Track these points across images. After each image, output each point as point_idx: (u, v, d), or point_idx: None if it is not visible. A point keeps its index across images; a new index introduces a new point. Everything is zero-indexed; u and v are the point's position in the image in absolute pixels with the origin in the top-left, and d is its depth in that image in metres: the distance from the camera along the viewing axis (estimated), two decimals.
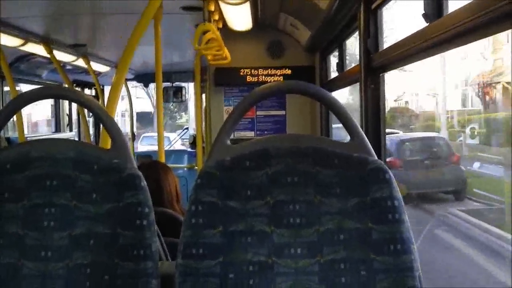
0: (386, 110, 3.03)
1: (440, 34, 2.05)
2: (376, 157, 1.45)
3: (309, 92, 1.48)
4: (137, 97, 24.01)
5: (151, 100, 25.62)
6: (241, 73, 5.30)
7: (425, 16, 2.21)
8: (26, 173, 1.46)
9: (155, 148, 3.41)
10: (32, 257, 1.42)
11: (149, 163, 2.81)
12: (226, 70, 5.22)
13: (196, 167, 5.54)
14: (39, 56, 5.15)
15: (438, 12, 2.16)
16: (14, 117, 3.90)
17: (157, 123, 3.37)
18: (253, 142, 1.47)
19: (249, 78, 5.30)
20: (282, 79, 5.20)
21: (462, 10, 1.86)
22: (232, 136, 1.50)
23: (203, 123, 6.16)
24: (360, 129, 1.48)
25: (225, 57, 4.20)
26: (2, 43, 4.11)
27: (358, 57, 3.17)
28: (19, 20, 4.00)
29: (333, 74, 4.89)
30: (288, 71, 5.29)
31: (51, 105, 8.15)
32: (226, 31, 4.51)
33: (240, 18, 4.27)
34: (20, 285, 1.40)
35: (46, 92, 1.64)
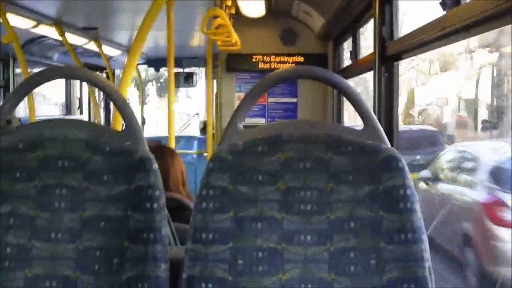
0: None
1: (457, 22, 2.02)
2: (389, 145, 1.43)
3: (325, 78, 1.46)
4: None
5: None
6: (253, 60, 5.28)
7: (443, 4, 2.17)
8: (38, 153, 1.45)
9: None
10: (43, 238, 1.41)
11: (155, 146, 2.77)
12: (238, 56, 5.20)
13: (206, 154, 5.53)
14: (51, 38, 5.15)
15: (456, 0, 2.13)
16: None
17: (168, 108, 3.37)
18: (266, 127, 1.46)
19: (261, 65, 5.28)
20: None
21: None
22: (243, 123, 1.49)
23: (214, 109, 6.15)
24: (374, 117, 1.45)
25: (234, 43, 4.17)
26: (15, 24, 4.10)
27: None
28: (32, 2, 3.99)
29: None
30: (301, 59, 5.27)
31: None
32: (239, 17, 4.49)
33: (253, 4, 4.24)
34: (30, 266, 1.40)
35: (60, 72, 1.63)
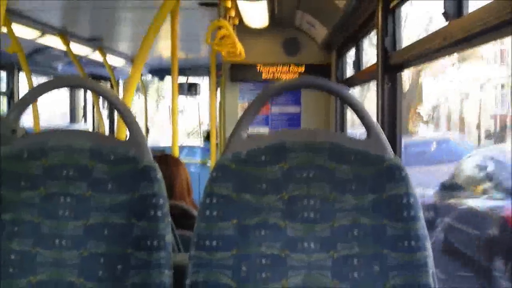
0: None
1: (460, 32, 2.03)
2: (392, 155, 1.43)
3: (329, 88, 1.48)
4: None
5: None
6: (257, 70, 5.30)
7: (445, 14, 2.19)
8: (43, 162, 1.47)
9: None
10: (47, 246, 1.42)
11: (160, 156, 2.81)
12: (242, 66, 5.22)
13: (209, 163, 5.54)
14: (56, 49, 5.19)
15: (458, 11, 2.14)
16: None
17: (172, 117, 3.38)
18: (269, 135, 1.47)
19: (264, 75, 5.30)
20: (297, 77, 5.20)
21: (483, 9, 1.84)
22: (246, 132, 1.49)
23: (218, 119, 6.17)
24: (378, 127, 1.46)
25: (239, 53, 4.19)
26: (21, 35, 4.13)
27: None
28: (37, 12, 4.03)
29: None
30: (304, 69, 5.28)
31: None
32: (242, 27, 4.51)
33: (256, 15, 4.27)
34: (35, 273, 1.41)
35: (66, 81, 1.64)
